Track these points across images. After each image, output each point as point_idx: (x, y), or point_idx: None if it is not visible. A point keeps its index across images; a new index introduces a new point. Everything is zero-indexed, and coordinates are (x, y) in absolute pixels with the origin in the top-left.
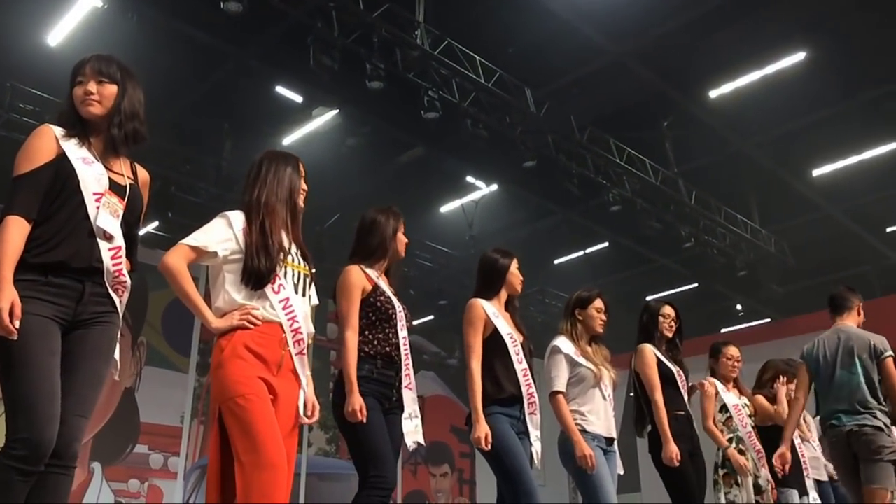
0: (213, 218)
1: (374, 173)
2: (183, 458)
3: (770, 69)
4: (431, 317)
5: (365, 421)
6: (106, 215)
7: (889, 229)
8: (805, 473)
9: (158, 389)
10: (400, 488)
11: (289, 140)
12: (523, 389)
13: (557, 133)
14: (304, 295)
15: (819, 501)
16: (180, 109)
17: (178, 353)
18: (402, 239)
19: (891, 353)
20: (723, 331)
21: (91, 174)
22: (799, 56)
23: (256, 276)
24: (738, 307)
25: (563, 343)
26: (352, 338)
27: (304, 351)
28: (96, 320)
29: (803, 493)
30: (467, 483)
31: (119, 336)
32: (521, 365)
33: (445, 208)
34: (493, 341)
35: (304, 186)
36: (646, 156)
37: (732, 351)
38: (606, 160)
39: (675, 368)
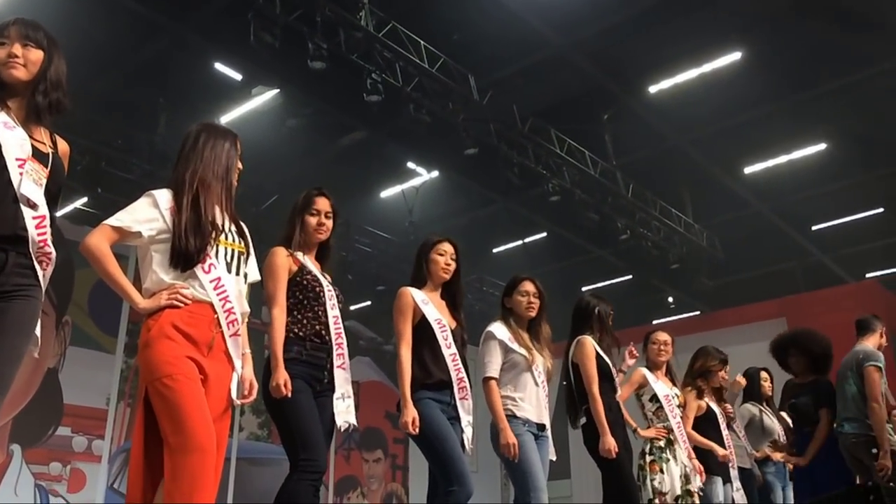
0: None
1: (314, 156)
2: (108, 441)
3: (707, 67)
4: (369, 302)
5: (289, 395)
6: (30, 183)
7: (814, 227)
8: (730, 463)
9: (83, 370)
10: (332, 474)
11: (227, 118)
12: (452, 375)
13: (499, 122)
14: (237, 273)
15: (741, 488)
16: (114, 82)
17: (105, 333)
18: (310, 221)
19: (873, 362)
20: (654, 322)
21: (13, 139)
22: (735, 56)
23: (185, 256)
24: (670, 299)
25: (497, 329)
26: (279, 315)
27: (239, 332)
28: (18, 293)
29: (727, 480)
30: (400, 469)
31: (41, 312)
32: (449, 350)
33: (386, 193)
34: (422, 328)
35: (240, 165)
36: (586, 148)
37: (660, 336)
38: (547, 151)
39: (610, 362)
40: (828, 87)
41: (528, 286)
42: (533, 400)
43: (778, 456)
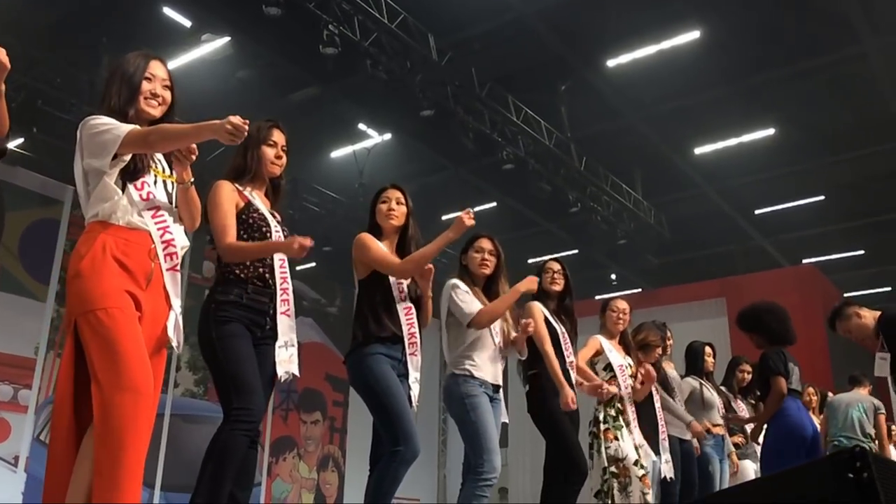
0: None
1: (263, 110)
2: (35, 391)
3: (666, 44)
4: (314, 263)
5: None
6: None
7: (757, 212)
8: (661, 435)
9: (11, 317)
10: (269, 434)
11: (173, 65)
12: (405, 329)
13: (457, 85)
14: (176, 206)
15: (669, 460)
16: (56, 19)
17: (36, 280)
18: (267, 152)
19: (883, 411)
20: (597, 297)
21: None
22: (694, 34)
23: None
24: (613, 276)
25: (459, 282)
26: (235, 244)
27: (177, 266)
28: None
29: (656, 452)
30: (338, 431)
31: None
32: (404, 303)
33: (336, 154)
34: (378, 278)
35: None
36: (542, 118)
37: (619, 304)
38: (503, 118)
39: (559, 328)
40: (781, 72)
41: (484, 243)
42: (489, 361)
43: (717, 429)
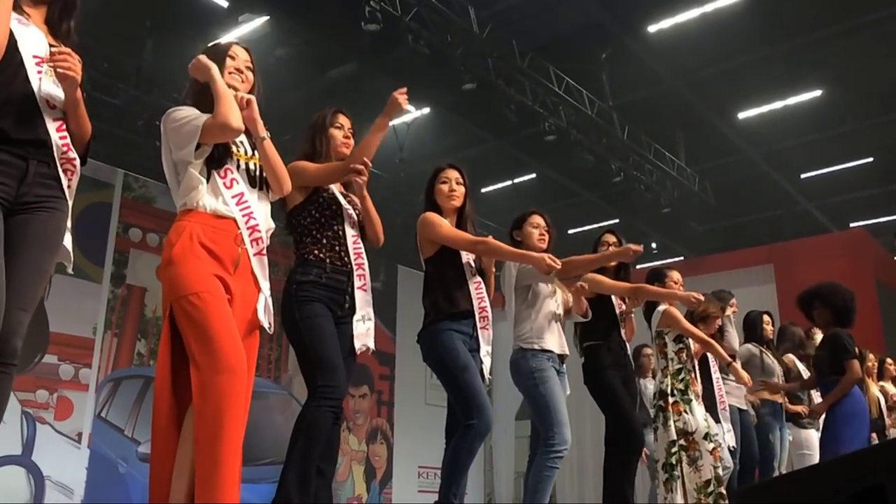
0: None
1: (301, 88)
2: (95, 370)
3: (709, 7)
4: None
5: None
6: (50, 83)
7: (803, 176)
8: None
9: (69, 299)
10: None
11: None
12: (475, 304)
13: (497, 57)
14: (261, 189)
15: (731, 429)
16: (99, 4)
17: (91, 262)
18: (335, 134)
19: None
20: (638, 267)
21: (29, 35)
22: None
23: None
24: (653, 245)
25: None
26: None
27: (263, 251)
28: (42, 205)
29: (717, 421)
30: (385, 405)
31: (68, 225)
32: (474, 278)
33: None
34: (448, 254)
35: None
36: (583, 87)
37: (674, 275)
38: (545, 88)
39: (616, 301)
40: (827, 31)
41: (451, 173)
42: (554, 331)
43: (775, 396)
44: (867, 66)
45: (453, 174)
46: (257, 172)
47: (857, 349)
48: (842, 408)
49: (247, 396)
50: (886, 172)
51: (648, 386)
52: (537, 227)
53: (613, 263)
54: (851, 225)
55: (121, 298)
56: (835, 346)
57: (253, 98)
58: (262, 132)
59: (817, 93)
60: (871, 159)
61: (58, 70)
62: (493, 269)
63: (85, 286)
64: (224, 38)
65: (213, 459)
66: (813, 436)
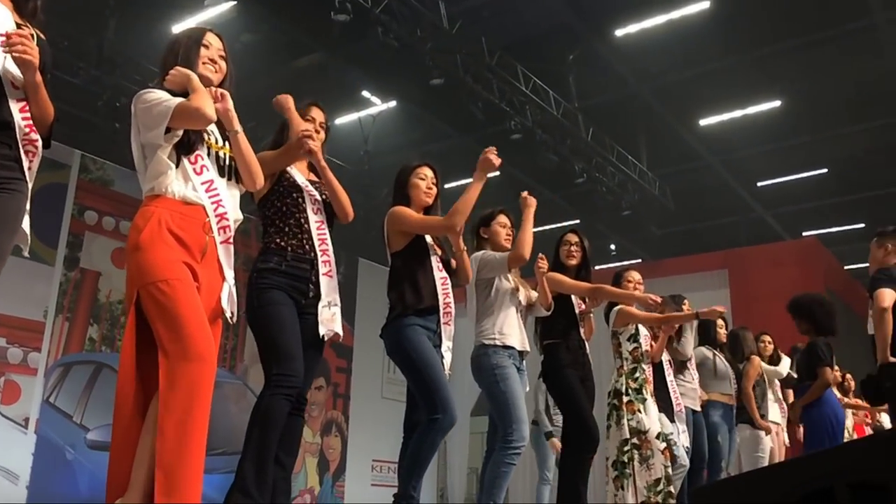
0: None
1: (267, 75)
2: (44, 354)
3: (676, 14)
4: None
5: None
6: (13, 63)
7: (759, 184)
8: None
9: (20, 281)
10: None
11: (178, 28)
12: (440, 299)
13: (467, 54)
14: (230, 179)
15: (685, 430)
16: None
17: (44, 244)
18: (297, 121)
19: None
20: (596, 268)
21: None
22: (703, 5)
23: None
24: (612, 247)
25: (485, 251)
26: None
27: (230, 239)
28: (2, 187)
29: (671, 421)
30: (342, 397)
31: (27, 207)
32: (440, 274)
33: (341, 121)
34: (416, 248)
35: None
36: (550, 87)
37: (634, 275)
38: (512, 87)
39: (575, 300)
40: (788, 44)
41: (428, 171)
42: (516, 328)
43: (726, 398)
44: (824, 80)
45: (430, 173)
46: (227, 162)
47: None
48: (817, 413)
49: (212, 384)
50: (839, 184)
51: None
52: (504, 226)
53: (574, 263)
54: (804, 234)
55: (73, 282)
56: (811, 354)
57: (227, 93)
58: (236, 126)
59: (776, 103)
60: (825, 170)
61: (13, 55)
62: (464, 247)
63: (37, 268)
64: (189, 22)
65: (178, 450)
66: (764, 438)
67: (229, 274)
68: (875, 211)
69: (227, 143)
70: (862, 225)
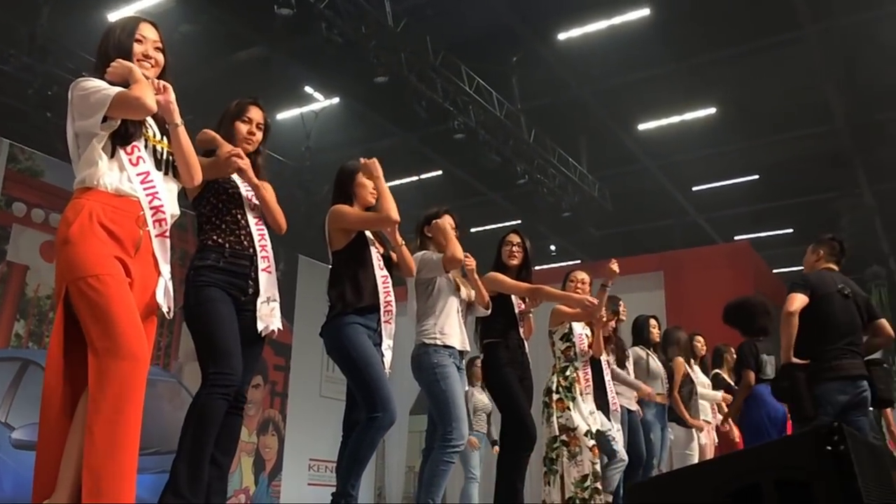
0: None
1: (206, 67)
2: None
3: (617, 20)
4: None
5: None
6: None
7: (694, 188)
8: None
9: None
10: None
11: (114, 16)
12: (381, 298)
13: (411, 53)
14: (167, 172)
15: (620, 429)
16: None
17: None
18: (239, 128)
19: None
20: (536, 268)
21: None
22: (644, 12)
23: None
24: (552, 248)
25: (426, 251)
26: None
27: (167, 233)
28: None
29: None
30: (279, 395)
31: None
32: (381, 272)
33: (282, 116)
34: (357, 247)
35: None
36: (493, 88)
37: (579, 275)
38: (456, 87)
39: (516, 301)
40: (724, 53)
41: (451, 219)
42: (456, 327)
43: (660, 398)
44: (757, 89)
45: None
46: (165, 156)
47: (761, 359)
48: (752, 412)
49: (144, 383)
50: (770, 190)
51: None
52: (451, 227)
53: (515, 263)
54: (736, 238)
55: (0, 276)
56: (738, 357)
57: (169, 85)
58: (177, 119)
59: (712, 110)
60: (756, 177)
61: None
62: (402, 241)
63: None
64: (126, 10)
65: (107, 450)
66: (695, 436)
67: (165, 269)
68: (802, 217)
69: (165, 137)
70: (790, 230)
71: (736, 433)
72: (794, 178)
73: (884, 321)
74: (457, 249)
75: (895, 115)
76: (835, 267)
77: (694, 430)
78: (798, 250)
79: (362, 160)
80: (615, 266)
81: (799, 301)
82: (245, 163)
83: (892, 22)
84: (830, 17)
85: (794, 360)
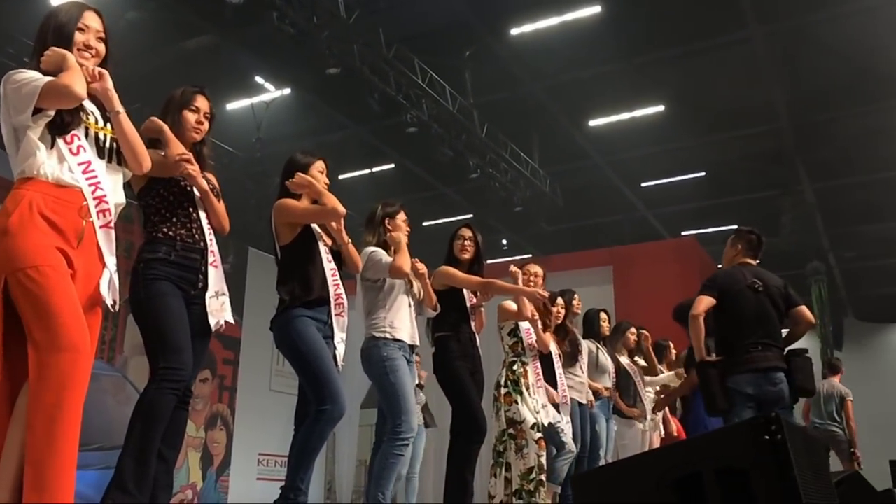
0: None
1: (154, 55)
2: None
3: (569, 16)
4: None
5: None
6: None
7: (643, 184)
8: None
9: None
10: None
11: (57, 1)
12: (331, 291)
13: (364, 45)
14: (110, 161)
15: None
16: None
17: None
18: (188, 117)
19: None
20: (488, 262)
21: None
22: (595, 9)
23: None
24: (504, 242)
25: (377, 249)
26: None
27: (111, 223)
28: None
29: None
30: (228, 390)
31: None
32: (330, 265)
33: (232, 106)
34: (305, 241)
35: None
36: (447, 82)
37: (532, 268)
38: (409, 80)
39: (467, 295)
40: (673, 52)
41: (322, 164)
42: (407, 321)
43: (606, 392)
44: (704, 88)
45: (323, 166)
46: (108, 143)
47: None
48: (699, 406)
49: (87, 376)
50: (716, 186)
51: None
52: (406, 222)
53: (467, 257)
54: (683, 233)
55: None
56: (688, 356)
57: (105, 71)
58: (117, 106)
59: (660, 108)
60: (703, 174)
61: None
62: (348, 240)
63: None
64: None
65: (47, 444)
66: (636, 428)
67: (110, 260)
68: (746, 213)
69: (108, 124)
70: (734, 226)
71: (674, 426)
72: (738, 176)
73: (802, 308)
74: (405, 262)
75: (836, 115)
76: (752, 261)
77: (634, 420)
78: None
79: (288, 184)
80: (513, 268)
81: (704, 303)
82: (195, 168)
83: (834, 24)
84: (775, 19)
85: (707, 357)
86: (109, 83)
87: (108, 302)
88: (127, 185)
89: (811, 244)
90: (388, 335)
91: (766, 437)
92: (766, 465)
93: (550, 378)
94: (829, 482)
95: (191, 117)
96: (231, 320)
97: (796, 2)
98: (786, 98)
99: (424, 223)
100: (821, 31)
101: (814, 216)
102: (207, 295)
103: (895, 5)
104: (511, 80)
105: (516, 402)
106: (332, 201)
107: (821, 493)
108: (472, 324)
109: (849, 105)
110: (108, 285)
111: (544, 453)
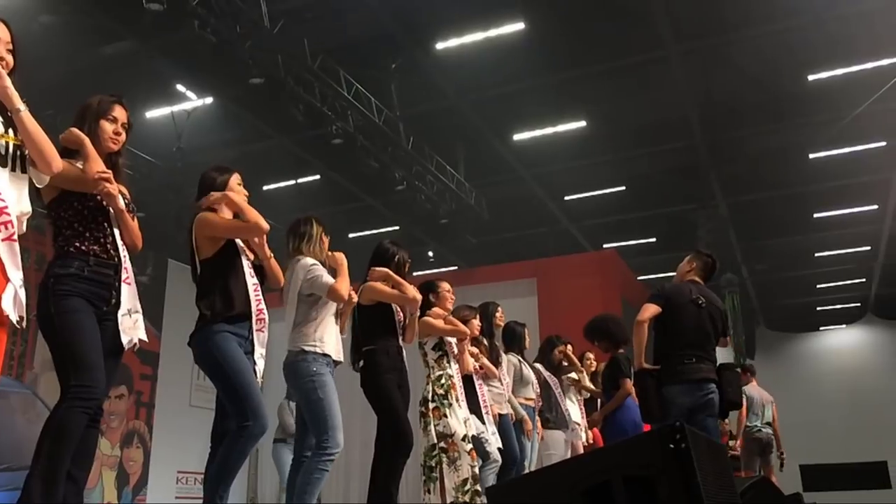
0: None
1: (69, 61)
2: None
3: (493, 32)
4: None
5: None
6: None
7: (566, 198)
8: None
9: None
10: None
11: None
12: (253, 306)
13: (289, 55)
14: (13, 169)
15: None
16: None
17: None
18: (105, 127)
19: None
20: (415, 274)
21: None
22: (519, 25)
23: None
24: (430, 254)
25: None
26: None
27: (14, 236)
28: None
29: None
30: (145, 406)
31: None
32: (252, 280)
33: (152, 114)
34: (227, 255)
35: None
36: (372, 94)
37: (446, 284)
38: (335, 92)
39: (396, 309)
40: (594, 69)
41: (239, 177)
42: (333, 336)
43: (529, 400)
44: (624, 105)
45: (239, 178)
46: (10, 150)
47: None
48: (619, 418)
49: None
50: (635, 201)
51: None
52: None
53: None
54: (605, 246)
55: None
56: (613, 368)
57: (2, 70)
58: (17, 104)
59: (582, 123)
60: (623, 188)
61: None
62: (270, 254)
63: None
64: None
65: None
66: (559, 436)
67: (15, 275)
68: (664, 227)
69: (10, 130)
70: (653, 239)
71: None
72: (657, 190)
73: (726, 339)
74: (344, 288)
75: (748, 132)
76: (700, 280)
77: (559, 432)
78: (660, 258)
79: (202, 205)
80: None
81: (650, 311)
82: (114, 188)
83: (746, 45)
84: (691, 40)
85: (646, 365)
86: (6, 80)
87: (14, 318)
88: (36, 196)
89: (725, 257)
90: (317, 349)
91: (671, 445)
92: (671, 473)
93: (471, 394)
94: (732, 488)
95: (108, 128)
96: (144, 338)
97: (710, 23)
98: (700, 115)
99: (350, 235)
100: (733, 51)
101: (727, 229)
102: (120, 313)
103: (801, 30)
104: (437, 94)
105: (446, 416)
106: (255, 216)
107: (724, 498)
108: (401, 337)
109: (758, 122)
110: (14, 301)
111: (476, 464)
